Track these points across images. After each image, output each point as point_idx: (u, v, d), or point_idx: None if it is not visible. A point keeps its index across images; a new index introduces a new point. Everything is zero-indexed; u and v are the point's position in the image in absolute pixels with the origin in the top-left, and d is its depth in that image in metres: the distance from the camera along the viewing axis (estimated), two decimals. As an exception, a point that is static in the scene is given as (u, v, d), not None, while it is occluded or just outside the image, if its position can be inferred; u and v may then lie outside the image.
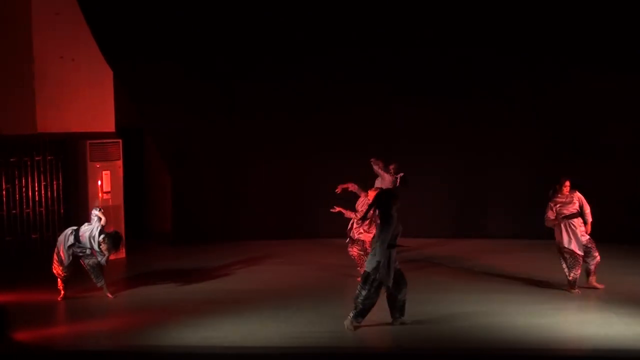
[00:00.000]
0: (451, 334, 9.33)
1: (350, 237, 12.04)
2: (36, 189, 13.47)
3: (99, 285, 11.14)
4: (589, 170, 14.27)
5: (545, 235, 14.50)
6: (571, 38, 14.39)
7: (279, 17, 14.64)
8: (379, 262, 9.32)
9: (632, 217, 14.52)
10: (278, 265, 13.15)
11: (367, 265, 9.51)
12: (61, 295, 11.06)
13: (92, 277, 11.12)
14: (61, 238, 11.12)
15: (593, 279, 11.20)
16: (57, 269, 11.07)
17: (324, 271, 12.77)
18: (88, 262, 11.06)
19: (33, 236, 13.48)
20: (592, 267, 11.14)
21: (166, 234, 15.56)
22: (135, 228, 14.74)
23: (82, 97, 13.92)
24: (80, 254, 11.03)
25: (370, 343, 9.35)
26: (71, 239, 10.99)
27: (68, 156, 13.78)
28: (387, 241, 9.37)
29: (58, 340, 9.40)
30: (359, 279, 11.84)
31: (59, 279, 11.08)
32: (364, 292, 9.41)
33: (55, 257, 11.10)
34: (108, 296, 11.10)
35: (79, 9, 13.46)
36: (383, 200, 9.62)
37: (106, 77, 14.23)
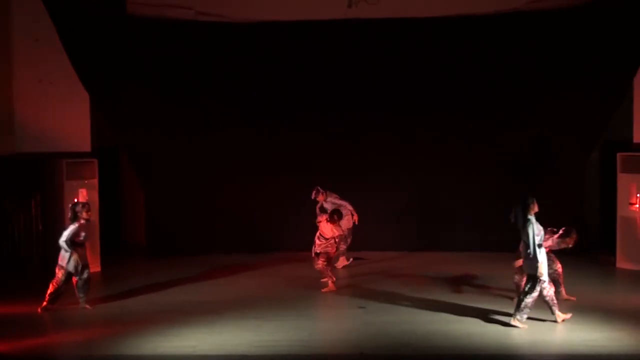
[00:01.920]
0: (411, 341, 9.35)
1: (315, 253, 12.08)
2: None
3: (81, 299, 11.01)
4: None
5: (496, 248, 14.76)
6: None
7: (247, 41, 14.74)
8: (539, 262, 9.62)
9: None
10: (249, 278, 13.09)
11: (530, 269, 9.72)
12: (42, 306, 10.87)
13: (79, 293, 11.00)
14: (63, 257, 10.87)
15: (563, 291, 11.08)
16: (52, 286, 10.88)
17: (293, 283, 12.75)
18: (81, 277, 10.92)
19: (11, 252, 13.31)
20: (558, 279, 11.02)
21: (141, 248, 15.46)
22: (111, 242, 14.63)
23: (60, 119, 13.91)
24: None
25: (334, 350, 9.31)
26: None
27: (46, 175, 13.63)
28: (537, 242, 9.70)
29: (36, 351, 9.23)
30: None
31: (52, 291, 10.86)
32: (534, 293, 9.68)
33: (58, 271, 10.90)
34: (86, 307, 10.99)
35: (57, 35, 13.36)
36: (521, 206, 9.84)
37: (83, 100, 14.20)
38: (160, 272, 13.59)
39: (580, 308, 10.69)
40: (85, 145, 14.24)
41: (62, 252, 10.84)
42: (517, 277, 11.04)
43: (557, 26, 14.07)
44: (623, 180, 13.58)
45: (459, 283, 12.46)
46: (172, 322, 10.19)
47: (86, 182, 13.72)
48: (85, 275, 10.96)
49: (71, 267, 10.81)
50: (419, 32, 14.70)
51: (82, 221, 10.90)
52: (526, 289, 9.80)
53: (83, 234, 10.95)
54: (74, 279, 10.94)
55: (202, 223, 15.26)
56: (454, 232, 15.31)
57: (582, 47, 13.94)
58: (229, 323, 10.15)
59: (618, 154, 13.71)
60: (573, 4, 13.90)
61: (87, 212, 10.95)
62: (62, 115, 13.93)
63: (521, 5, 14.27)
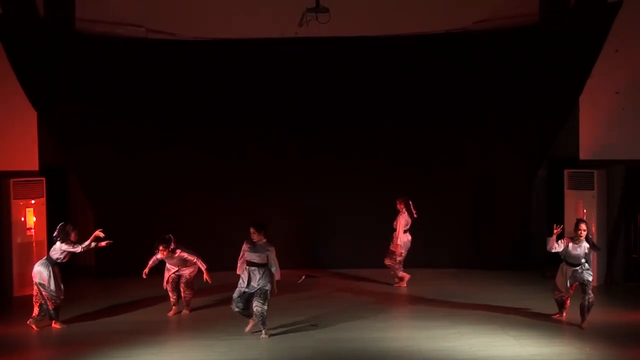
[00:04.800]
0: (363, 358, 9.33)
1: None
2: (-40, 225, 13.00)
3: (32, 320, 10.85)
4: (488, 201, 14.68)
5: (447, 264, 14.84)
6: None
7: (197, 58, 14.79)
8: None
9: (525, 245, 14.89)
10: (201, 297, 12.86)
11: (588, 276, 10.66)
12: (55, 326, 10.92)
13: (40, 311, 10.91)
14: (43, 274, 10.84)
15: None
16: (50, 303, 10.86)
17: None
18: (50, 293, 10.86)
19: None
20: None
21: (90, 268, 15.10)
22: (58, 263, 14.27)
23: (7, 137, 13.59)
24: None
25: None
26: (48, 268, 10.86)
27: (-9, 194, 13.36)
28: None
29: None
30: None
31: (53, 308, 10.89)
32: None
33: (44, 294, 10.85)
34: (33, 327, 10.79)
35: (3, 52, 13.15)
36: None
37: (30, 118, 13.88)
38: (110, 293, 13.37)
39: (530, 323, 10.81)
40: (33, 164, 13.94)
41: (38, 271, 10.85)
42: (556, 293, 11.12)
43: (506, 45, 14.27)
44: (570, 196, 13.78)
45: (411, 300, 12.48)
46: (123, 343, 10.03)
47: (33, 201, 13.49)
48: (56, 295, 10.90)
49: (52, 284, 10.81)
50: (371, 50, 14.85)
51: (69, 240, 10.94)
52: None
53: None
54: (44, 293, 10.81)
55: (152, 243, 15.01)
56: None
57: (529, 66, 14.12)
58: (181, 343, 10.08)
59: (565, 171, 13.91)
60: (520, 24, 14.09)
61: (76, 234, 10.99)
62: (9, 133, 13.62)
63: (469, 25, 14.47)
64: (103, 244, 11.17)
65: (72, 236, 10.96)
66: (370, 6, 14.09)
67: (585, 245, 10.61)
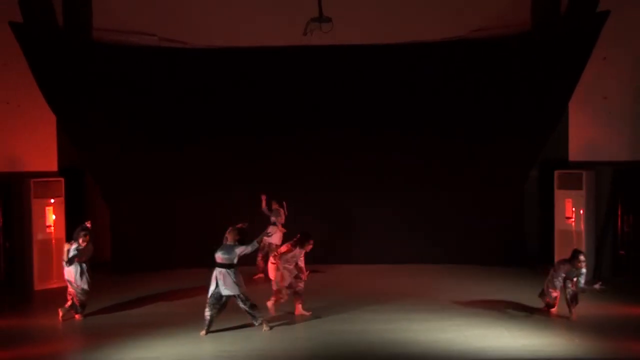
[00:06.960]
0: (363, 349, 9.45)
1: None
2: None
3: (63, 309, 11.08)
4: (473, 195, 14.81)
5: (440, 260, 14.92)
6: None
7: (207, 65, 14.96)
8: None
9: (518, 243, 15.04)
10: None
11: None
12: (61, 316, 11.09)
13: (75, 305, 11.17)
14: (71, 272, 11.10)
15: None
16: (77, 300, 11.13)
17: (251, 295, 12.68)
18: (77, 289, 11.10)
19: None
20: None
21: (105, 263, 15.28)
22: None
23: (27, 139, 13.84)
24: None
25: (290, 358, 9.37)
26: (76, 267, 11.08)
27: (13, 193, 13.52)
28: None
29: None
30: None
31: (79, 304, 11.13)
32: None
33: (70, 291, 11.14)
34: (59, 314, 11.04)
35: (24, 60, 13.32)
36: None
37: (50, 121, 14.13)
38: (125, 287, 13.44)
39: (522, 316, 10.92)
40: (52, 165, 14.15)
41: (68, 269, 11.10)
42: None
43: (500, 52, 14.35)
44: (559, 196, 13.88)
45: (410, 294, 12.53)
46: (136, 334, 10.15)
47: (53, 200, 13.66)
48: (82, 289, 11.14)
49: (78, 281, 11.07)
50: (372, 57, 14.92)
51: (78, 244, 11.08)
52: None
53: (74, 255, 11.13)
54: (71, 290, 11.06)
55: (166, 239, 15.17)
56: (404, 245, 15.38)
57: (522, 72, 14.19)
58: (191, 334, 10.13)
59: (555, 172, 14.00)
60: (513, 33, 14.19)
61: (83, 238, 11.09)
62: (29, 136, 13.87)
63: (466, 34, 14.57)
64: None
65: (80, 240, 11.09)
66: (370, 16, 14.24)
67: (583, 271, 10.67)
